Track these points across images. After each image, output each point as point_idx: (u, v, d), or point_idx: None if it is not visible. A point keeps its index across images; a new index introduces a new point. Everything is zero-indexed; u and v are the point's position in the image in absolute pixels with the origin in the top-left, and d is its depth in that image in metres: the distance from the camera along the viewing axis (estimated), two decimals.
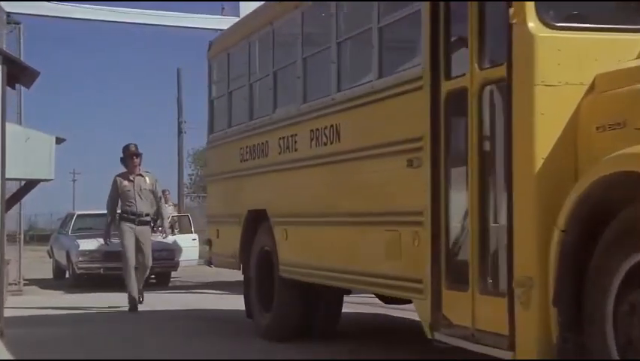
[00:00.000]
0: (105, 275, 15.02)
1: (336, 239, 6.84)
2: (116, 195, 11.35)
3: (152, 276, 15.40)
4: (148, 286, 16.29)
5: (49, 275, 18.04)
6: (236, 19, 17.66)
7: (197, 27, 18.29)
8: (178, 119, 29.81)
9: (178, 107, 29.83)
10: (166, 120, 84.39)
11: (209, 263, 10.29)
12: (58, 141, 9.91)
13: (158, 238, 15.63)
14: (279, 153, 7.84)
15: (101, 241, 12.79)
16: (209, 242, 10.05)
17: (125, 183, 11.29)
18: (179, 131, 29.68)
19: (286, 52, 7.93)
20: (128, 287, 11.13)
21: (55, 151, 9.52)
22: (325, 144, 6.89)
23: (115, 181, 11.44)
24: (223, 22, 17.37)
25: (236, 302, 9.98)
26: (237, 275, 9.54)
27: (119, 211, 11.43)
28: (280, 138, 7.78)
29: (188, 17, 18.20)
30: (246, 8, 16.40)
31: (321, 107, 6.97)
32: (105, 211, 11.90)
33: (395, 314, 9.54)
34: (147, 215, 11.36)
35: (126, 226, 11.22)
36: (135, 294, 11.06)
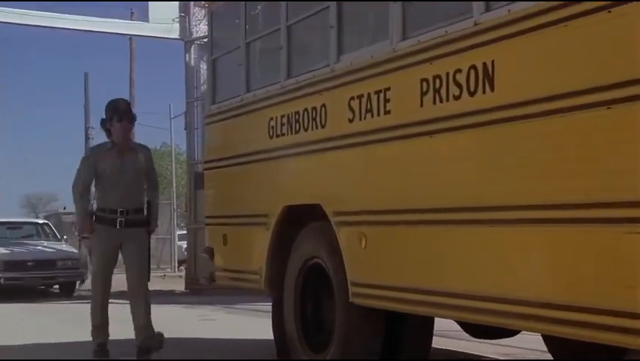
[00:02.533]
0: (4, 286, 14.15)
1: (466, 247, 4.35)
2: (89, 180, 6.91)
3: (56, 286, 15.79)
4: (49, 296, 15.53)
5: None
6: (146, 24, 17.28)
7: (106, 31, 17.91)
8: (85, 124, 29.90)
9: (85, 112, 30.02)
10: (73, 125, 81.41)
11: (210, 280, 7.61)
12: None
13: (62, 245, 14.40)
14: (351, 121, 5.27)
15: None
16: (210, 252, 7.40)
17: (108, 161, 6.78)
18: (87, 138, 29.22)
19: None
20: (93, 326, 6.81)
21: None
22: (457, 98, 4.37)
23: (87, 158, 6.97)
24: (132, 26, 18.50)
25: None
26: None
27: (92, 208, 7.01)
28: (353, 98, 5.22)
29: (97, 21, 17.47)
30: (155, 11, 16.52)
31: (450, 40, 4.44)
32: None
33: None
34: (140, 210, 6.90)
35: (104, 232, 6.74)
36: (104, 337, 6.79)
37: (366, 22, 5.59)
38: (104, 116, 6.88)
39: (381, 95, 4.99)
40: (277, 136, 6.26)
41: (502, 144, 4.13)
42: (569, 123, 3.77)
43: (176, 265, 23.64)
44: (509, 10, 4.09)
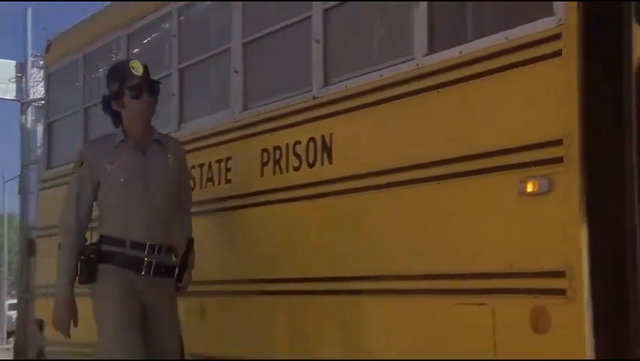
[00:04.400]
0: None
1: (304, 317, 4.35)
2: (90, 202, 4.09)
3: None
4: None
5: None
6: None
7: None
8: None
9: None
10: None
11: (39, 354, 7.19)
12: None
13: None
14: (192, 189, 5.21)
15: None
16: (40, 324, 7.03)
17: (122, 164, 4.04)
18: None
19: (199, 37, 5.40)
20: None
21: None
22: (296, 169, 4.41)
23: (84, 163, 4.08)
24: None
25: None
26: None
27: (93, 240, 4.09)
28: (195, 166, 5.15)
29: None
30: None
31: (290, 112, 4.50)
32: None
33: None
34: (170, 250, 4.12)
35: (119, 278, 3.96)
36: None
37: (208, 91, 5.60)
38: (108, 88, 4.14)
39: (223, 163, 4.98)
40: None
41: (340, 214, 4.20)
42: (401, 196, 3.89)
43: (5, 336, 22.41)
44: (346, 86, 4.22)
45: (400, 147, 3.94)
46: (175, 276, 4.04)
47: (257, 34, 4.87)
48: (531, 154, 3.34)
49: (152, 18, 5.86)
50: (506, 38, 3.48)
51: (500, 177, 3.48)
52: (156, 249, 3.98)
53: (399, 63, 4.01)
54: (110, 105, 4.13)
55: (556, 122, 3.26)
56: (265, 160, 4.65)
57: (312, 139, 4.36)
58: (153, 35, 6.00)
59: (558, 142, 3.24)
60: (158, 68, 5.72)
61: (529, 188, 3.34)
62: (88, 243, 4.01)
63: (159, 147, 4.12)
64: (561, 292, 3.23)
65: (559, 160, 3.24)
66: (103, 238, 4.00)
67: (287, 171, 4.50)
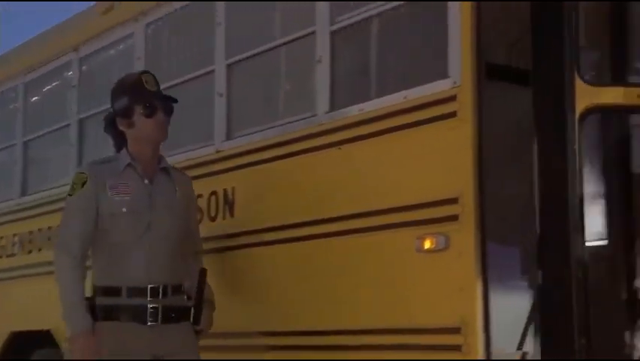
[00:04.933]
0: None
1: None
2: (92, 222, 3.43)
3: None
4: None
5: None
6: None
7: None
8: None
9: None
10: None
11: None
12: None
13: None
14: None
15: None
16: None
17: (126, 193, 3.46)
18: None
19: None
20: None
21: None
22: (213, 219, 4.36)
23: (88, 174, 3.47)
24: None
25: None
26: None
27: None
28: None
29: None
30: None
31: (192, 166, 4.45)
32: None
33: None
34: (179, 290, 3.51)
35: (122, 334, 3.37)
36: None
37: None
38: (113, 104, 3.56)
39: None
40: (7, 256, 5.92)
41: (240, 269, 4.16)
42: (301, 251, 3.90)
43: None
44: (249, 140, 4.23)
45: (301, 202, 3.95)
46: (191, 318, 3.45)
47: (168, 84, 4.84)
48: (428, 212, 3.40)
49: (50, 67, 5.80)
50: (405, 98, 3.56)
51: (399, 234, 3.52)
52: (160, 291, 3.35)
53: (301, 119, 4.05)
54: (115, 124, 3.51)
55: (452, 181, 3.34)
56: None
57: (214, 192, 4.33)
58: (52, 84, 5.92)
59: (454, 200, 3.31)
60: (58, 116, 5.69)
61: (427, 245, 3.39)
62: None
63: (167, 177, 3.54)
64: (456, 348, 3.27)
65: (454, 218, 3.31)
66: (96, 289, 3.37)
67: None
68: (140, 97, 3.46)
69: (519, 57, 3.87)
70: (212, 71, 4.47)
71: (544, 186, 3.24)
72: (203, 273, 3.54)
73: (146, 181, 3.45)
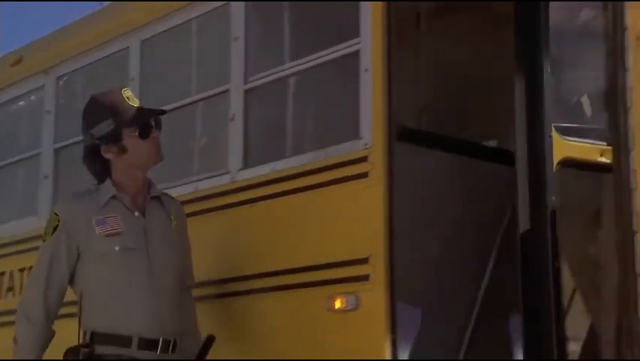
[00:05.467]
0: None
1: None
2: (64, 275, 3.07)
3: None
4: None
5: None
6: None
7: None
8: None
9: None
10: None
11: None
12: None
13: None
14: None
15: None
16: None
17: (113, 222, 3.05)
18: None
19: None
20: None
21: None
22: None
23: (60, 216, 3.07)
24: None
25: None
26: None
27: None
28: None
29: None
30: None
31: None
32: None
33: None
34: (172, 345, 3.09)
35: None
36: None
37: (15, 196, 5.39)
38: (92, 129, 3.08)
39: (26, 272, 4.75)
40: None
41: None
42: (213, 310, 3.83)
43: None
44: None
45: (214, 259, 3.90)
46: None
47: (68, 141, 4.77)
48: (339, 271, 3.41)
49: None
50: (318, 158, 3.59)
51: (310, 293, 3.51)
52: (170, 347, 3.01)
53: (215, 176, 4.02)
54: (98, 154, 3.04)
55: (363, 241, 3.36)
56: None
57: None
58: None
59: (364, 260, 3.33)
60: None
61: (337, 304, 3.39)
62: (75, 345, 2.93)
63: (159, 206, 3.11)
64: None
65: (365, 278, 3.32)
66: (96, 336, 2.95)
67: None
68: (129, 117, 3.00)
69: (429, 120, 3.97)
70: None
71: None
72: (211, 340, 3.24)
73: (137, 213, 3.04)
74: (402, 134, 3.44)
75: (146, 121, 3.04)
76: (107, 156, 3.06)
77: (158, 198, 3.16)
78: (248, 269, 3.74)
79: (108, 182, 3.07)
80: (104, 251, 2.99)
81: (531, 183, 3.28)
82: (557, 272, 3.18)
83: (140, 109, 3.07)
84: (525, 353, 3.34)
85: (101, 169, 3.09)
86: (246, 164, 3.88)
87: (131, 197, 3.07)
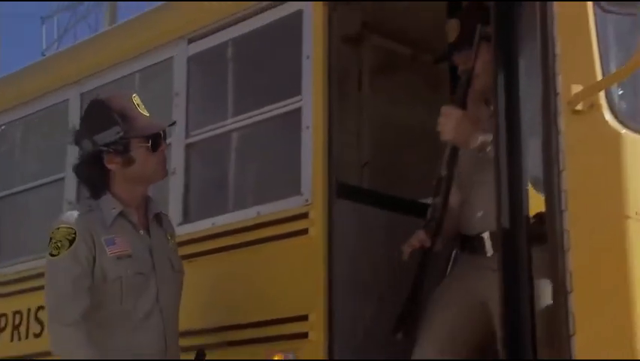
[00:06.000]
0: None
1: None
2: (90, 278, 2.75)
3: None
4: None
5: None
6: None
7: None
8: None
9: None
10: None
11: None
12: None
13: None
14: None
15: None
16: None
17: (123, 244, 2.82)
18: None
19: None
20: None
21: None
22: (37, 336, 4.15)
23: (76, 230, 2.73)
24: None
25: None
26: None
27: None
28: None
29: None
30: None
31: (35, 275, 4.25)
32: None
33: None
34: None
35: None
36: None
37: None
38: (96, 136, 2.80)
39: None
40: None
41: None
42: None
43: None
44: None
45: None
46: None
47: (8, 191, 4.68)
48: (278, 328, 3.38)
49: None
50: (258, 213, 3.58)
51: (248, 351, 3.47)
52: None
53: None
54: (100, 163, 2.77)
55: (302, 298, 3.34)
56: (2, 326, 4.35)
57: None
58: None
59: (303, 318, 3.31)
60: None
61: None
62: None
63: (158, 225, 2.91)
64: None
65: (304, 335, 3.30)
66: None
67: (26, 337, 4.23)
68: (141, 126, 2.74)
69: (369, 177, 3.99)
70: (63, 179, 4.35)
71: None
72: (202, 353, 3.06)
73: (142, 232, 2.81)
74: (342, 191, 3.46)
75: (159, 132, 2.80)
76: (110, 166, 2.79)
77: (159, 218, 2.96)
78: (187, 325, 3.68)
79: (109, 196, 2.79)
80: (112, 276, 2.72)
81: None
82: None
83: (152, 118, 2.83)
84: None
85: (99, 181, 2.81)
86: (187, 218, 3.85)
87: (138, 218, 2.83)
